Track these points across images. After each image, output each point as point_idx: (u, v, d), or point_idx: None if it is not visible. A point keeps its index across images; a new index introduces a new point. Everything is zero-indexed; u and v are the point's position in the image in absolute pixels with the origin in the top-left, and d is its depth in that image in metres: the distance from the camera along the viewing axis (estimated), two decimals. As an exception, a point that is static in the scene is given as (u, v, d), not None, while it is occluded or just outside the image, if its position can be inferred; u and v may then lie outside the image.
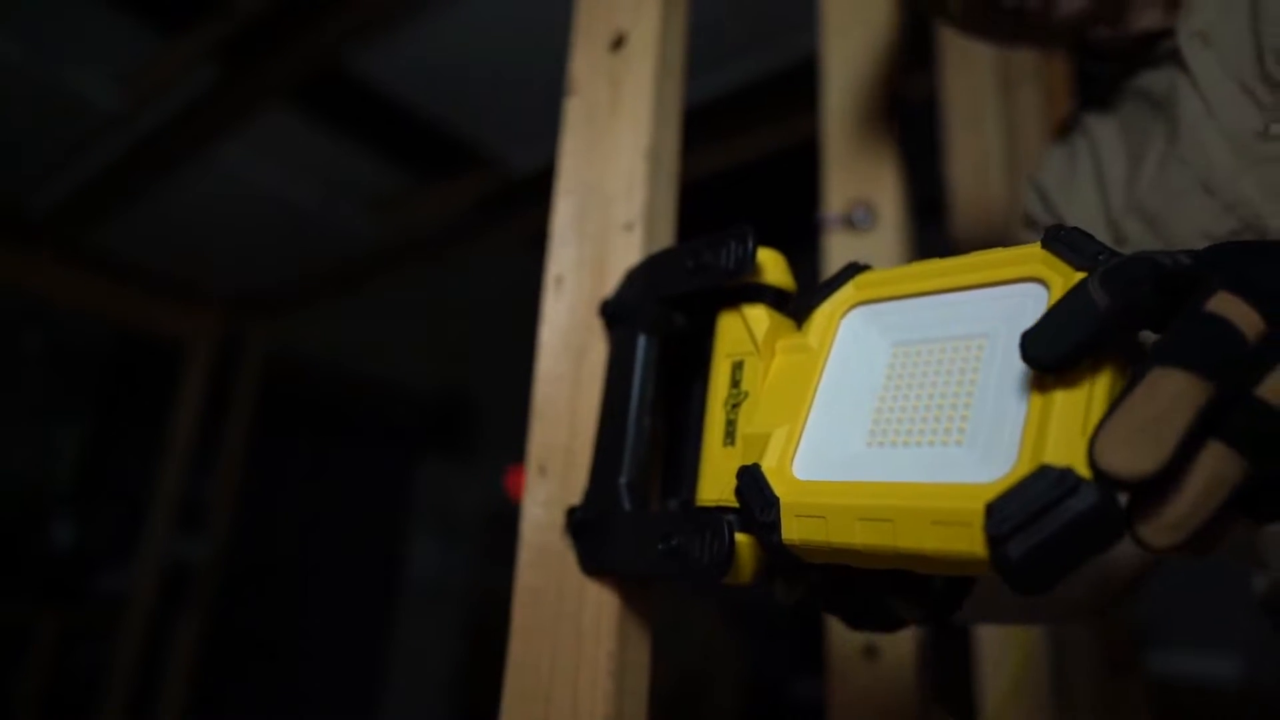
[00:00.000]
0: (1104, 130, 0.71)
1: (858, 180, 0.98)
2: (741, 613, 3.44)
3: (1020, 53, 1.48)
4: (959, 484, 0.34)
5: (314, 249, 3.42)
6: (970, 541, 0.32)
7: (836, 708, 0.84)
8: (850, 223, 0.95)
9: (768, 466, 0.42)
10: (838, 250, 0.97)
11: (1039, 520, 0.30)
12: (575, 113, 0.65)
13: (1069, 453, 0.32)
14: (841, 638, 0.85)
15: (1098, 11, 0.66)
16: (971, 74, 1.33)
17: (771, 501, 0.40)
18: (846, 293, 0.47)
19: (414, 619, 4.56)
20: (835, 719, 0.83)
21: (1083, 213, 0.70)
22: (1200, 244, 0.59)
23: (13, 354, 3.76)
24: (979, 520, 0.32)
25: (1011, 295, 0.40)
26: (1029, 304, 0.39)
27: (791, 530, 0.39)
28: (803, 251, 1.12)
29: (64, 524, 3.66)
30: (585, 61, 0.66)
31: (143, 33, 2.27)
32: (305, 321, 3.99)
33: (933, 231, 1.37)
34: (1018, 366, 0.37)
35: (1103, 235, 0.67)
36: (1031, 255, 0.40)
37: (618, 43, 0.64)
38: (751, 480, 0.41)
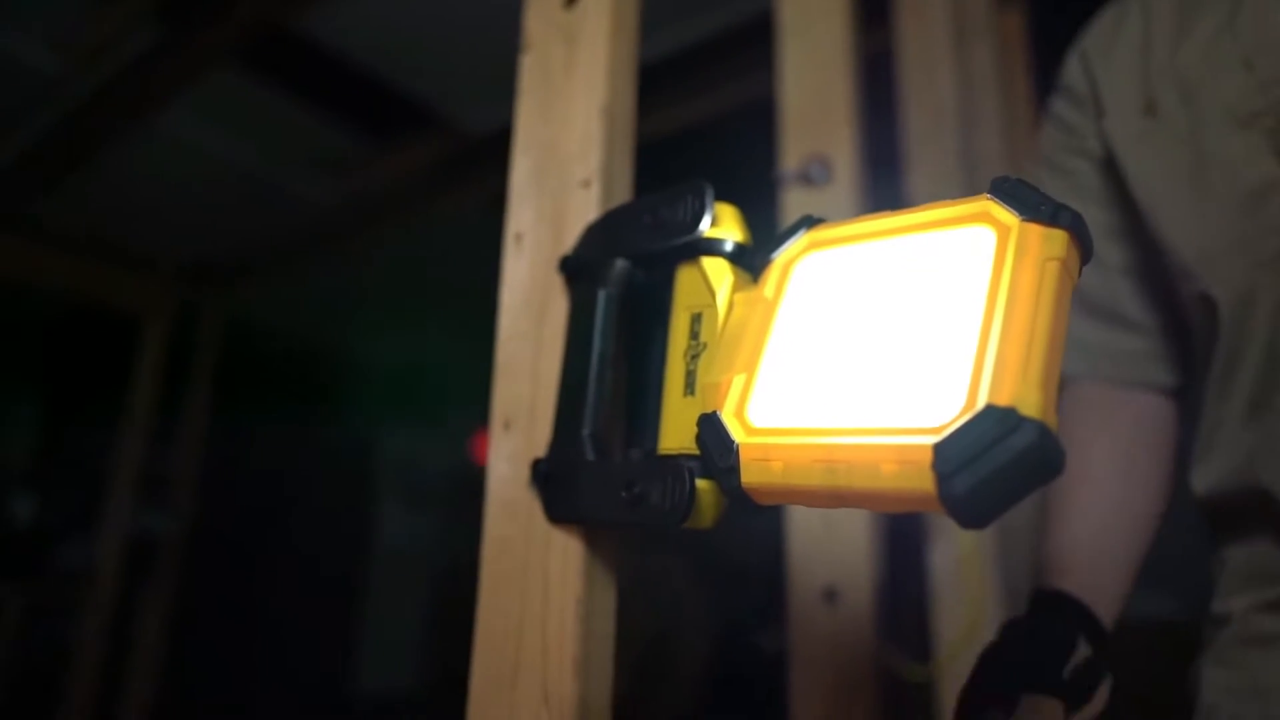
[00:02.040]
0: None
1: (813, 136, 0.99)
2: (710, 566, 3.50)
3: (974, 6, 1.49)
4: (910, 426, 0.36)
5: (269, 215, 3.35)
6: (920, 479, 0.34)
7: (798, 649, 0.87)
8: (807, 178, 0.96)
9: (726, 414, 0.43)
10: (795, 206, 0.99)
11: (983, 457, 0.32)
12: (530, 71, 0.65)
13: (1011, 393, 0.34)
14: (803, 583, 0.88)
15: None
16: (926, 27, 1.35)
17: (730, 447, 0.41)
18: (800, 243, 0.48)
19: (383, 584, 4.57)
20: (797, 660, 0.87)
21: (1119, 76, 0.70)
22: (1224, 122, 0.60)
23: (-39, 330, 3.66)
24: (928, 459, 0.33)
25: (958, 237, 0.42)
26: (975, 246, 0.40)
27: (751, 474, 0.40)
28: (763, 208, 1.14)
29: (24, 499, 3.61)
30: (539, 18, 0.66)
31: (80, -7, 2.19)
32: (263, 289, 3.93)
33: (890, 185, 1.39)
34: (964, 306, 0.38)
35: (1135, 99, 0.68)
36: (978, 204, 0.42)
37: (572, -1, 0.64)
38: (711, 427, 0.43)
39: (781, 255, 0.48)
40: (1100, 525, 0.66)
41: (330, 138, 2.87)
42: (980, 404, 0.34)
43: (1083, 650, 0.58)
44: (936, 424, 0.35)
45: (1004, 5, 1.65)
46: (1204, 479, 0.62)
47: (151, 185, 3.12)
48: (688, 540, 3.33)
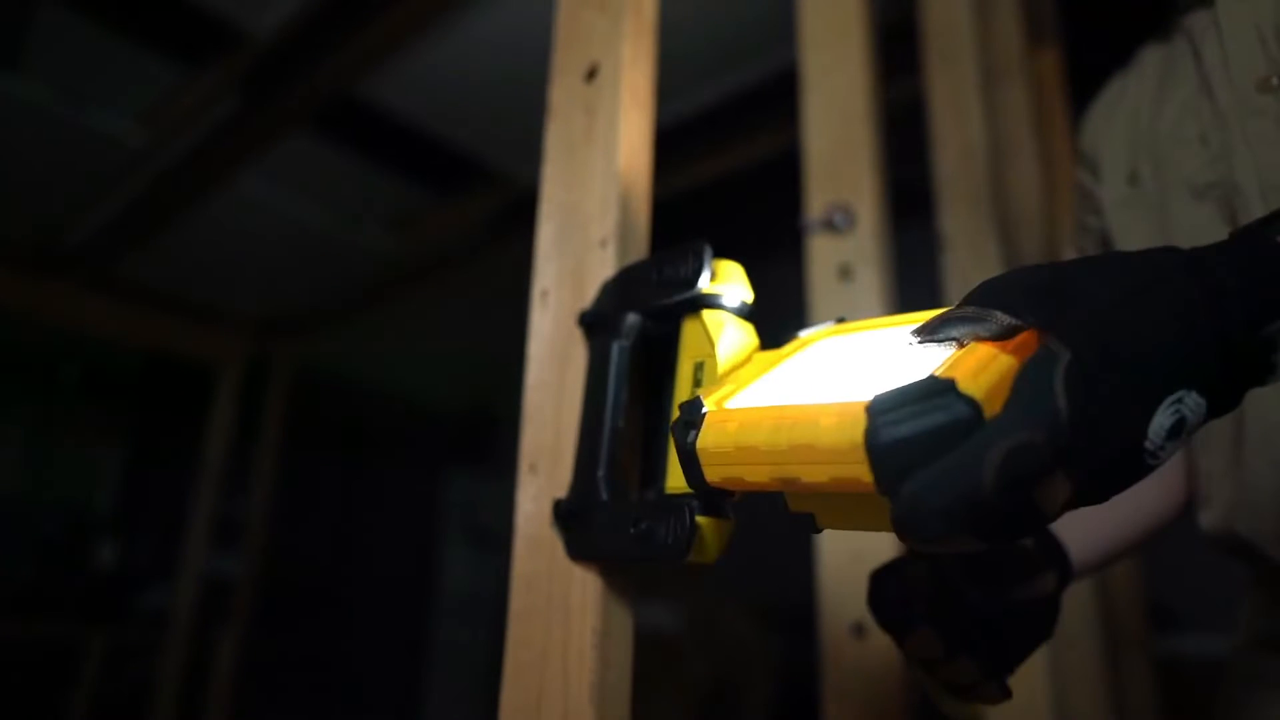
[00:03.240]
0: (1152, 63, 0.73)
1: (836, 184, 1.03)
2: (772, 609, 3.47)
3: (1004, 47, 1.52)
4: (859, 400, 0.36)
5: (336, 270, 3.51)
6: (853, 428, 0.34)
7: (829, 684, 0.88)
8: (831, 225, 1.00)
9: (708, 399, 0.47)
10: (819, 252, 1.02)
11: (914, 414, 0.32)
12: (554, 139, 0.71)
13: (960, 377, 0.34)
14: (833, 618, 0.90)
15: None
16: (955, 71, 1.38)
17: (699, 409, 0.44)
18: (826, 330, 0.53)
19: (449, 627, 4.63)
20: (829, 695, 0.88)
21: (1113, 145, 0.74)
22: (1185, 192, 0.64)
23: (52, 384, 3.89)
24: (863, 411, 0.34)
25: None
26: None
27: (707, 436, 0.42)
28: (792, 254, 1.18)
29: (107, 545, 3.78)
30: (562, 91, 0.72)
31: (163, 70, 2.37)
32: (330, 341, 4.08)
33: (916, 230, 1.41)
34: (933, 358, 0.42)
35: (1123, 168, 0.72)
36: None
37: (591, 73, 0.70)
38: (689, 404, 0.46)
39: (807, 334, 0.53)
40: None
41: (393, 195, 3.01)
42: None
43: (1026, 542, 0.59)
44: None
45: (1038, 44, 1.67)
46: (1206, 523, 0.65)
47: (226, 244, 3.30)
48: (749, 584, 3.31)
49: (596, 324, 0.60)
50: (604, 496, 0.55)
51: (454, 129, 2.63)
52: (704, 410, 0.44)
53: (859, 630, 0.87)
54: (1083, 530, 0.64)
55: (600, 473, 0.55)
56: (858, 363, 0.45)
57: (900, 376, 0.41)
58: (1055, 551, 0.60)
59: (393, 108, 2.52)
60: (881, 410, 0.32)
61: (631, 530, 0.51)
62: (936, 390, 0.32)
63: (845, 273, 0.98)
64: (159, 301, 3.63)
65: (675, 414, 0.54)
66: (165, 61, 2.34)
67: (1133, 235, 0.69)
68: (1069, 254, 0.81)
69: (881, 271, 0.99)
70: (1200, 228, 0.62)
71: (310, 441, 4.10)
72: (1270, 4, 0.58)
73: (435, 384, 4.76)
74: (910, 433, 0.32)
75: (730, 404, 0.46)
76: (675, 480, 0.52)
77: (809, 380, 0.45)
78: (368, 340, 4.15)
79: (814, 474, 0.36)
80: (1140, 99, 0.72)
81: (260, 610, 3.60)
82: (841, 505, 0.40)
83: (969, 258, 1.24)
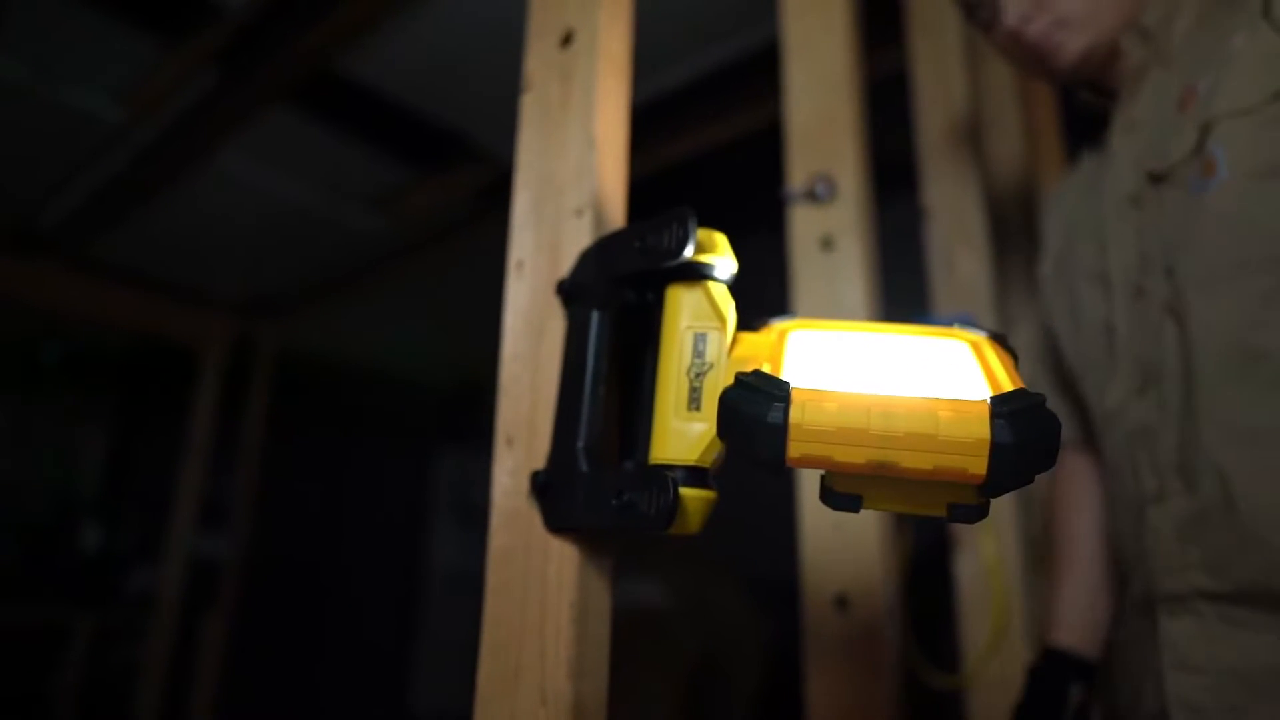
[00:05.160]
0: (1086, 170, 0.89)
1: (818, 155, 1.01)
2: (760, 588, 3.49)
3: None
4: (958, 398, 0.40)
5: (319, 248, 3.47)
6: (979, 425, 0.38)
7: (811, 656, 0.88)
8: (813, 196, 0.99)
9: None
10: (801, 222, 1.01)
11: (1029, 412, 0.38)
12: (530, 108, 0.69)
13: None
14: (815, 590, 0.90)
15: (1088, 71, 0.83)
16: (938, 41, 1.36)
17: (782, 385, 0.40)
18: (789, 322, 0.54)
19: (438, 607, 4.64)
20: (811, 667, 0.88)
21: (1054, 232, 0.91)
22: (1084, 276, 0.83)
23: (34, 366, 3.85)
24: (985, 408, 0.38)
25: (944, 344, 0.50)
26: (959, 354, 0.49)
27: (803, 412, 0.39)
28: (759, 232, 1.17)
29: (93, 527, 3.76)
30: (538, 59, 0.70)
31: (139, 45, 2.32)
32: (314, 320, 4.05)
33: (899, 203, 1.40)
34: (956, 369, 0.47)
35: (1055, 249, 0.90)
36: (954, 331, 0.51)
37: (566, 40, 0.68)
38: (757, 375, 0.42)
39: (777, 323, 0.54)
40: (1089, 587, 0.87)
41: (376, 171, 2.97)
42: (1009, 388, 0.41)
43: (1076, 694, 0.79)
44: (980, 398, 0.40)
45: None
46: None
47: (208, 222, 3.26)
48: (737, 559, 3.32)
49: (575, 293, 0.59)
50: (584, 468, 0.54)
51: (438, 104, 2.59)
52: (787, 383, 0.41)
53: (841, 603, 0.87)
54: (1091, 642, 0.85)
55: (580, 444, 0.55)
56: (865, 360, 0.49)
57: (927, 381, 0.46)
58: (1078, 668, 0.83)
59: (375, 83, 2.48)
60: (1005, 403, 0.38)
61: (614, 501, 0.50)
62: (1040, 404, 0.39)
63: (827, 243, 0.98)
64: (140, 282, 3.58)
65: (675, 385, 0.52)
66: (142, 36, 2.29)
67: (1054, 305, 0.89)
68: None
69: (863, 242, 0.98)
70: (1092, 304, 0.82)
71: (296, 421, 4.07)
72: (1145, 141, 0.75)
73: (422, 361, 4.74)
74: (1027, 433, 0.38)
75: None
76: (660, 451, 0.51)
77: (836, 371, 0.48)
78: (353, 318, 4.11)
79: (919, 460, 0.38)
80: (1076, 204, 0.89)
81: (248, 591, 3.59)
82: (893, 489, 0.42)
83: (952, 228, 1.23)
